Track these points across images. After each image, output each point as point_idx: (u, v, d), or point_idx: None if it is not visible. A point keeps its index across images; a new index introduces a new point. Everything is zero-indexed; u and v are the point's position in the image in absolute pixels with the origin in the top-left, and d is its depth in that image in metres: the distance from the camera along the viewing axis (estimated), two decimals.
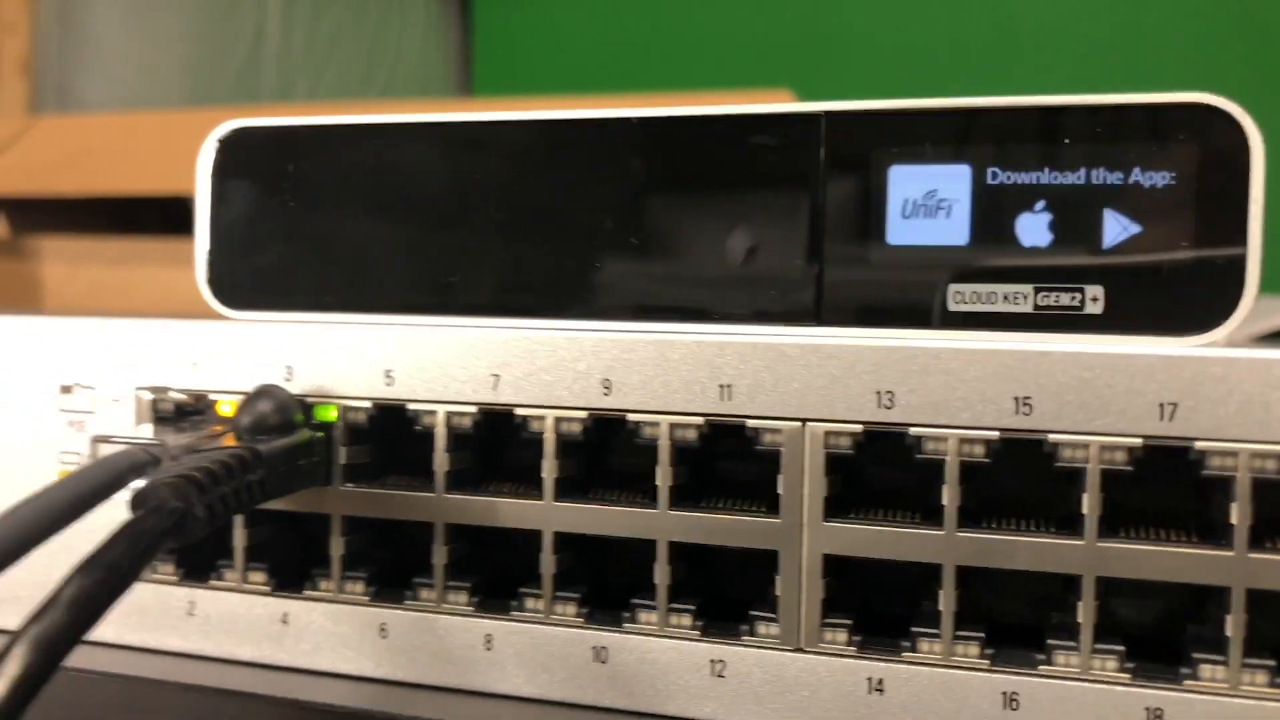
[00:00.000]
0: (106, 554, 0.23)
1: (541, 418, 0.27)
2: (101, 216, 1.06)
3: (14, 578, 0.21)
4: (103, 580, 0.22)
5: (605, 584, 0.28)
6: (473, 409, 0.27)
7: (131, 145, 1.04)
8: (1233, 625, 0.23)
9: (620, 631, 0.27)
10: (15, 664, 0.21)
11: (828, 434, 0.25)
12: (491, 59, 2.12)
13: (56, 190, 1.06)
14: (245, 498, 0.26)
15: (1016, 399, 0.24)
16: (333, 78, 1.93)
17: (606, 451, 0.28)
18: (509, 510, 0.27)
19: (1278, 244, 0.32)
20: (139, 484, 0.24)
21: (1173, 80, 0.26)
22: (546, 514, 0.27)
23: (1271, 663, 0.23)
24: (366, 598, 0.28)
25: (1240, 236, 0.25)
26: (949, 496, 0.25)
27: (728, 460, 0.28)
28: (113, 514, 0.23)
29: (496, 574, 0.28)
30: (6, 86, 1.44)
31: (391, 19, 2.06)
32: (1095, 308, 0.25)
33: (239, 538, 0.29)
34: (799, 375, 0.25)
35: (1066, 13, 1.66)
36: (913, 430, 0.25)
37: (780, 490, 0.26)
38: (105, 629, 0.29)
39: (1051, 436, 0.24)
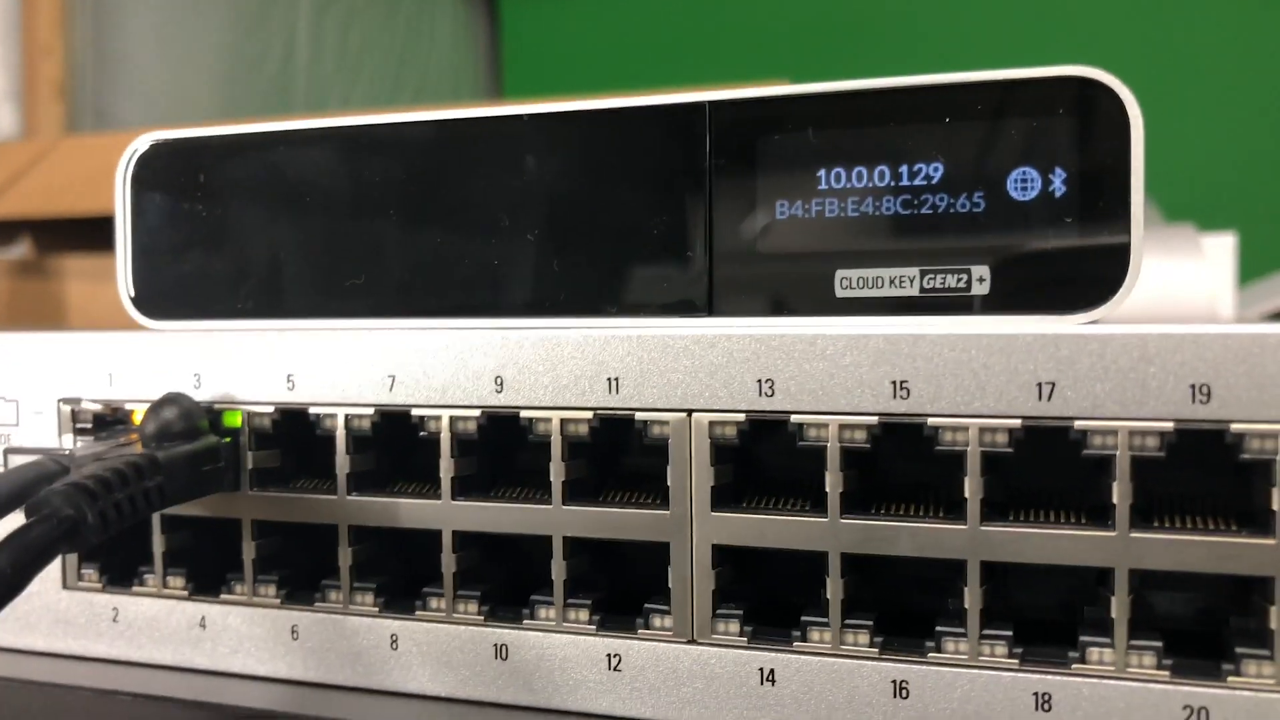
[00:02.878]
0: None
1: (437, 417, 0.27)
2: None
3: None
4: None
5: (514, 582, 0.28)
6: (370, 411, 0.28)
7: None
8: (1118, 607, 0.23)
9: (520, 628, 0.27)
10: None
11: (712, 423, 0.25)
12: (521, 62, 2.13)
13: (81, 209, 1.08)
14: (143, 504, 0.26)
15: (894, 383, 0.24)
16: (364, 88, 1.95)
17: (508, 449, 0.28)
18: (408, 510, 0.27)
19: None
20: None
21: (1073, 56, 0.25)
22: (444, 513, 0.27)
23: (1157, 644, 0.23)
24: (278, 600, 0.29)
25: (1123, 212, 0.24)
26: (831, 483, 0.24)
27: (631, 455, 0.28)
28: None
29: (408, 575, 0.29)
30: (43, 109, 1.47)
31: (421, 26, 2.07)
32: (982, 288, 0.25)
33: (158, 543, 0.30)
34: (683, 366, 0.25)
35: None
36: (794, 418, 0.24)
37: (669, 481, 0.25)
38: (34, 638, 0.30)
39: (930, 420, 0.24)
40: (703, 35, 1.87)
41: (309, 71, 1.87)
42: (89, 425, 0.30)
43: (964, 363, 0.23)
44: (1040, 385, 0.23)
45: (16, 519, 0.24)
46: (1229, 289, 0.67)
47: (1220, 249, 0.67)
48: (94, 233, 1.09)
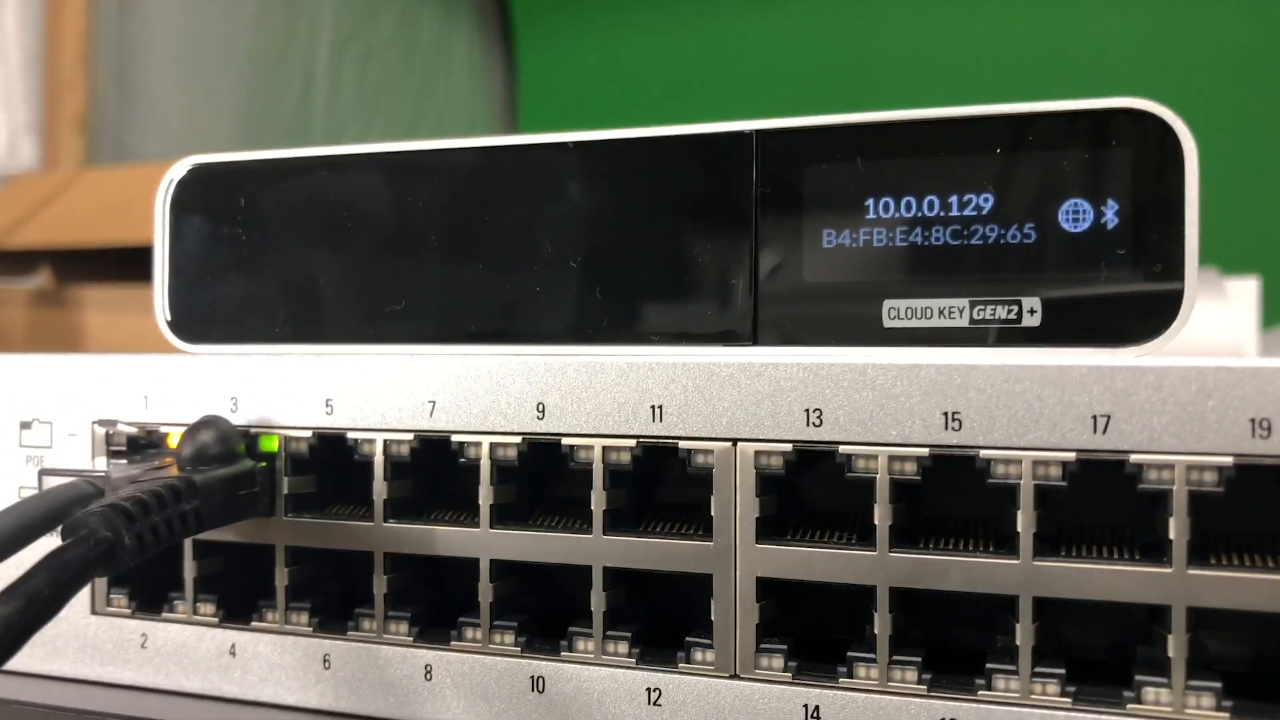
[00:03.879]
0: (26, 584, 0.23)
1: (477, 443, 0.27)
2: (143, 265, 1.09)
3: None
4: (21, 609, 0.22)
5: (550, 612, 0.28)
6: (409, 436, 0.27)
7: None
8: (1175, 646, 0.22)
9: (558, 660, 0.26)
10: None
11: (758, 453, 0.25)
12: (536, 98, 2.15)
13: (99, 240, 1.08)
14: (179, 527, 0.26)
15: (945, 414, 0.23)
16: (381, 124, 1.96)
17: (547, 477, 0.28)
18: (446, 538, 0.27)
19: None
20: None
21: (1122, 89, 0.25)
22: (483, 541, 0.27)
23: (1217, 684, 0.22)
24: (310, 628, 0.28)
25: (1178, 245, 0.24)
26: (880, 515, 0.24)
27: (671, 484, 0.28)
28: None
29: (443, 604, 0.28)
30: (64, 143, 1.48)
31: (438, 63, 2.09)
32: (1033, 320, 0.25)
33: (189, 569, 0.29)
34: (728, 394, 0.25)
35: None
36: (842, 448, 0.24)
37: (713, 512, 0.25)
38: (61, 663, 0.30)
39: (983, 452, 0.23)
40: (717, 72, 1.88)
41: (327, 108, 1.88)
42: (123, 448, 0.30)
43: (1018, 394, 0.23)
44: (1095, 418, 0.23)
45: (51, 541, 0.23)
46: (1252, 333, 0.66)
47: (1243, 293, 0.67)
48: (113, 263, 1.10)
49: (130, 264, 1.10)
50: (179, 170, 0.32)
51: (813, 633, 0.26)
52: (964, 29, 1.66)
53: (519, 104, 2.18)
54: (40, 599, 0.23)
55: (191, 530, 0.26)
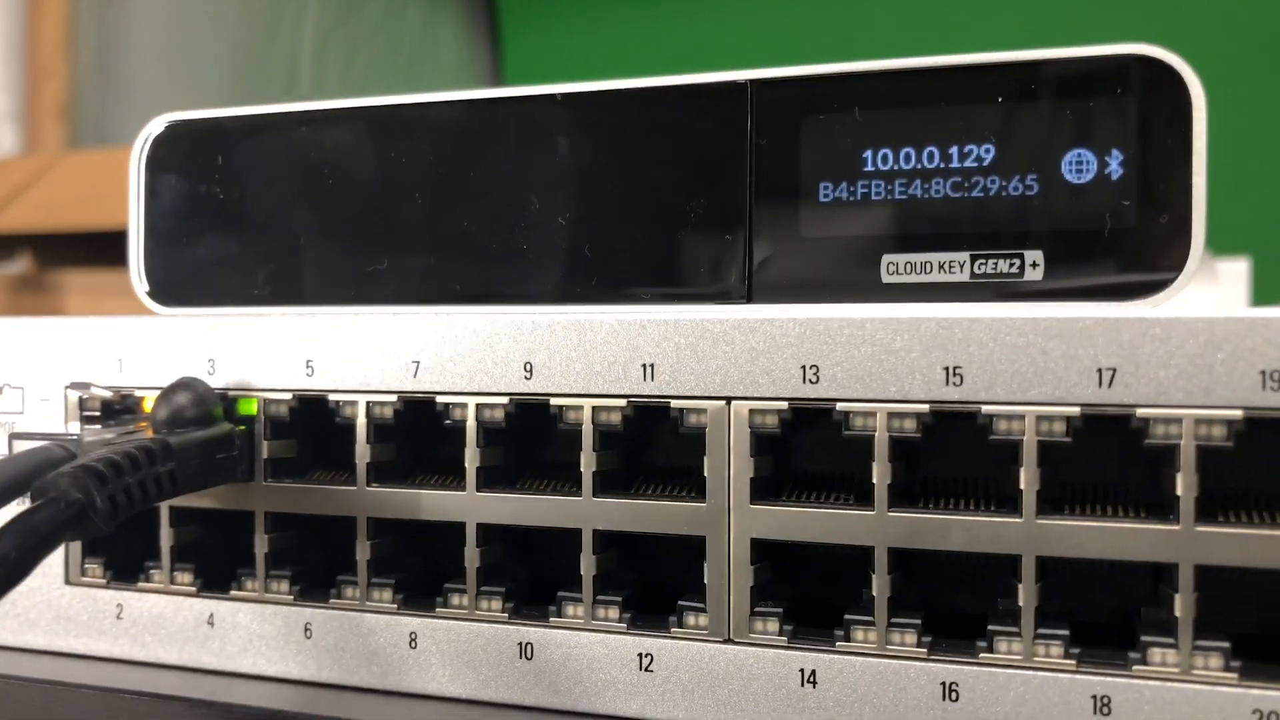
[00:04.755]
0: None
1: (463, 405, 0.26)
2: (124, 250, 1.07)
3: None
4: None
5: (538, 575, 0.27)
6: (393, 398, 0.26)
7: None
8: (1182, 605, 0.22)
9: (546, 626, 0.25)
10: None
11: (752, 412, 0.24)
12: (522, 85, 2.13)
13: (81, 224, 1.07)
14: (154, 490, 0.25)
15: (946, 369, 0.23)
16: None
17: (535, 439, 0.27)
18: (431, 502, 0.26)
19: None
20: None
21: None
22: (469, 505, 0.26)
23: (1225, 644, 0.21)
24: (291, 597, 0.27)
25: (1185, 195, 0.23)
26: (879, 474, 0.23)
27: (663, 446, 0.27)
28: None
29: (427, 572, 0.27)
30: (45, 130, 1.46)
31: (424, 54, 2.07)
32: (1035, 274, 0.24)
33: (166, 537, 0.28)
34: (722, 352, 0.24)
35: None
36: (840, 405, 0.23)
37: (706, 472, 0.24)
38: (34, 635, 0.29)
39: (985, 408, 0.23)
40: (704, 63, 1.87)
41: (312, 97, 1.86)
42: (97, 413, 0.29)
43: (1020, 348, 0.22)
44: (1101, 371, 0.22)
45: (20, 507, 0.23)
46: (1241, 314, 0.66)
47: (1234, 274, 0.67)
48: (94, 248, 1.08)
49: (112, 248, 1.09)
50: (155, 127, 0.31)
51: (808, 599, 0.25)
52: (953, 22, 1.65)
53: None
54: (7, 562, 0.22)
55: (166, 493, 0.25)
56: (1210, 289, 0.63)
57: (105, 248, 1.07)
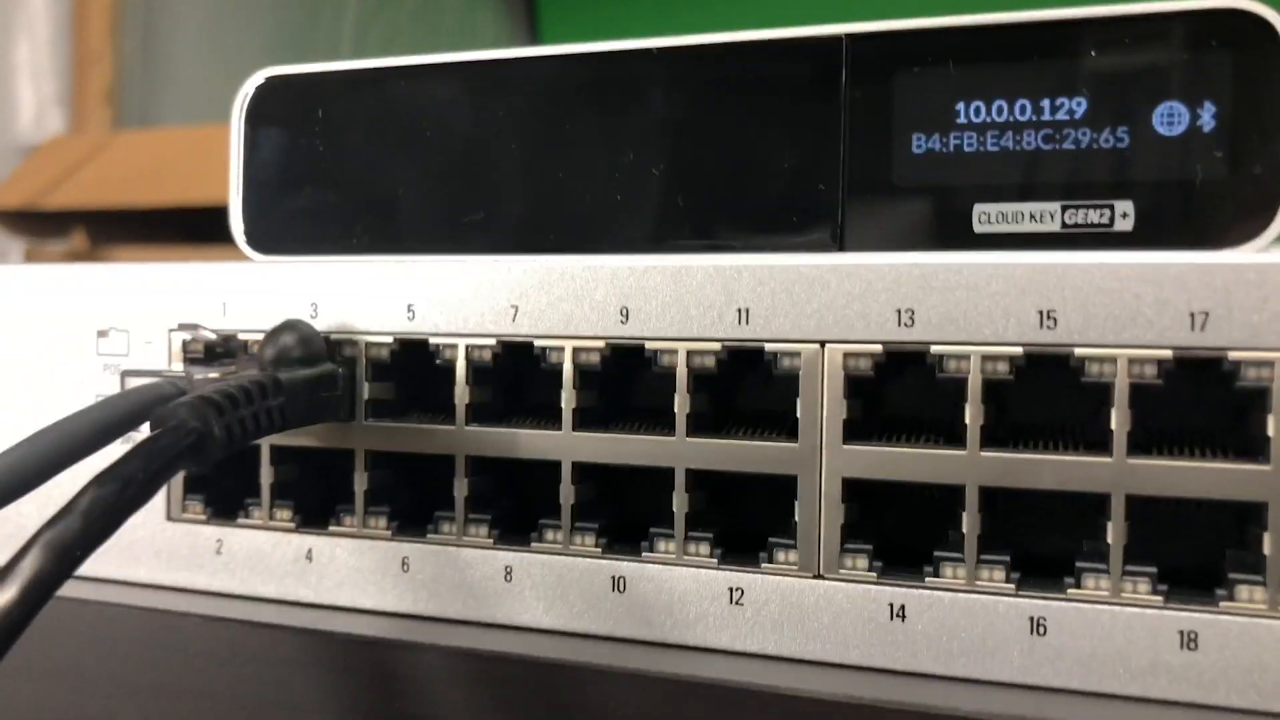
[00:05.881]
0: (122, 467, 0.23)
1: (560, 348, 0.27)
2: (176, 227, 1.09)
3: (40, 499, 0.22)
4: (118, 491, 0.23)
5: (628, 518, 0.28)
6: (491, 341, 0.27)
7: (205, 158, 1.06)
8: (1271, 543, 0.22)
9: (639, 561, 0.26)
10: (29, 566, 0.21)
11: (846, 355, 0.25)
12: None
13: (133, 202, 1.09)
14: (265, 422, 0.26)
15: (1041, 313, 0.23)
16: None
17: (629, 382, 0.28)
18: (528, 441, 0.27)
19: None
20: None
21: None
22: (564, 444, 0.27)
23: None
24: (389, 533, 0.28)
25: (1276, 146, 0.24)
26: (971, 415, 0.24)
27: (757, 390, 0.28)
28: None
29: (520, 509, 0.28)
30: (93, 115, 1.49)
31: (463, 42, 2.09)
32: (1125, 224, 0.25)
33: (266, 475, 0.29)
34: (817, 296, 0.25)
35: None
36: (934, 349, 0.24)
37: (799, 414, 0.25)
38: (136, 569, 0.30)
39: (1078, 350, 0.23)
40: None
41: None
42: (200, 356, 0.30)
43: (1114, 292, 0.23)
44: (1194, 315, 0.22)
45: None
46: None
47: None
48: (145, 225, 1.10)
49: (163, 225, 1.11)
50: (254, 82, 0.32)
51: (893, 544, 0.26)
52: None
53: None
54: (136, 482, 0.23)
55: (277, 426, 0.26)
56: None
57: (157, 224, 1.09)
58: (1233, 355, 0.22)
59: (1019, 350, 0.24)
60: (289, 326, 0.28)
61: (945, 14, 0.26)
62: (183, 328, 0.30)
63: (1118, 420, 0.23)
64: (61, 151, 1.21)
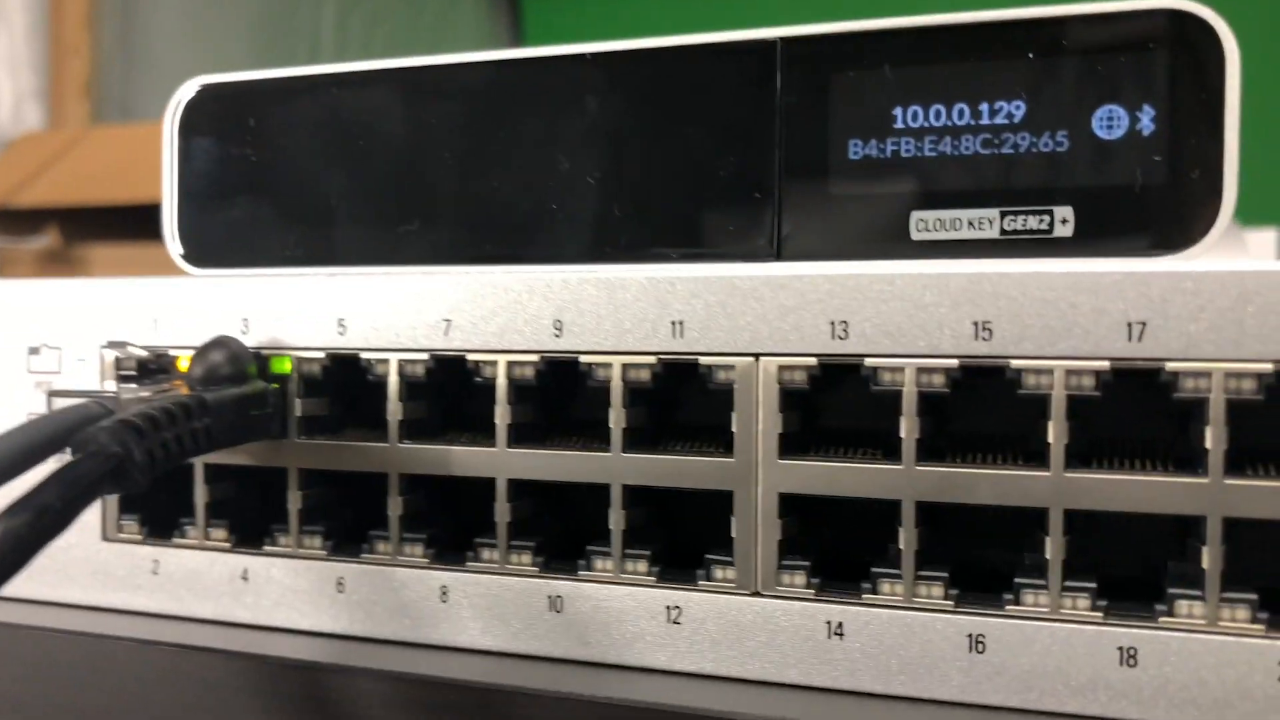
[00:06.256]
0: (38, 496, 0.22)
1: (493, 362, 0.26)
2: (150, 224, 1.08)
3: None
4: (32, 521, 0.22)
5: (568, 532, 0.27)
6: (424, 356, 0.27)
7: None
8: (1210, 558, 0.22)
9: (576, 579, 0.26)
10: None
11: (781, 368, 0.24)
12: None
13: (106, 199, 1.08)
14: (190, 444, 0.25)
15: (976, 324, 0.23)
16: None
17: (565, 397, 0.27)
18: (461, 458, 0.27)
19: None
20: None
21: None
22: (498, 461, 0.26)
23: (1252, 596, 0.22)
24: (324, 552, 0.28)
25: (1216, 151, 0.23)
26: (906, 428, 0.23)
27: (692, 405, 0.27)
28: None
29: (457, 529, 0.28)
30: (69, 107, 1.47)
31: (444, 29, 2.07)
32: (1065, 230, 0.24)
33: (200, 494, 0.29)
34: (751, 309, 0.24)
35: None
36: (868, 361, 0.24)
37: (734, 428, 0.25)
38: (72, 590, 0.29)
39: (1014, 362, 0.23)
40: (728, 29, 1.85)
41: None
42: (133, 372, 0.29)
43: (1050, 301, 0.22)
44: (1130, 325, 0.22)
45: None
46: None
47: (1262, 244, 0.66)
48: (120, 222, 1.09)
49: (137, 222, 1.10)
50: (187, 91, 0.31)
51: (834, 555, 0.25)
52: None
53: None
54: (51, 511, 0.22)
55: (202, 448, 0.26)
56: (1239, 259, 0.63)
57: (131, 222, 1.08)
58: (1170, 366, 0.22)
59: (954, 362, 0.23)
60: (218, 344, 0.27)
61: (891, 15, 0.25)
62: (112, 345, 0.29)
63: (1055, 433, 0.22)
64: (35, 148, 1.20)
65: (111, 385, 0.29)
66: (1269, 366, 0.21)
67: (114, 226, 1.10)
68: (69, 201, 1.10)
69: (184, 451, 0.25)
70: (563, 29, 2.07)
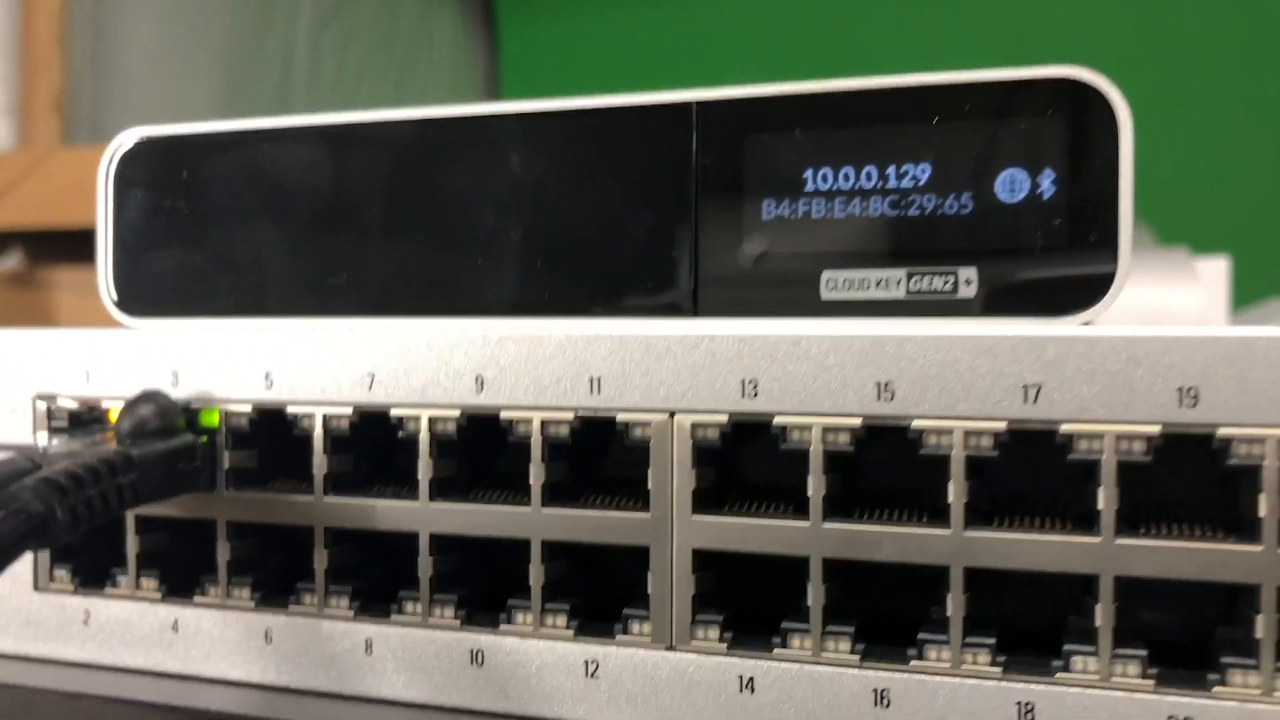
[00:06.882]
0: None
1: (416, 417, 0.27)
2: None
3: None
4: None
5: (492, 584, 0.28)
6: (348, 410, 0.27)
7: None
8: (1102, 615, 0.22)
9: (496, 633, 0.26)
10: None
11: (694, 425, 0.25)
12: (519, 78, 2.13)
13: (73, 221, 1.07)
14: (115, 501, 0.26)
15: (879, 384, 0.23)
16: (362, 107, 1.94)
17: (487, 451, 0.28)
18: (385, 512, 0.27)
19: None
20: None
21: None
22: (421, 515, 0.27)
23: (1142, 653, 0.22)
24: (252, 604, 0.28)
25: (1112, 215, 0.24)
26: (813, 486, 0.24)
27: (612, 459, 0.28)
28: None
29: (385, 579, 0.28)
30: (40, 124, 1.47)
31: (419, 44, 2.07)
32: (969, 291, 0.25)
33: (131, 545, 0.29)
34: (665, 366, 0.25)
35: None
36: (777, 419, 0.24)
37: (650, 484, 0.25)
38: (2, 640, 0.29)
39: (915, 422, 0.23)
40: (701, 54, 1.87)
41: (307, 88, 1.86)
42: (65, 424, 0.30)
43: (949, 364, 0.23)
44: (1026, 388, 0.23)
45: None
46: (1222, 313, 0.67)
47: (1214, 273, 0.67)
48: (86, 245, 1.09)
49: None
50: (124, 142, 0.31)
51: (751, 606, 0.26)
52: (958, 5, 1.65)
53: (501, 86, 2.16)
54: None
55: (128, 504, 0.26)
56: (1189, 289, 0.64)
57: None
58: (1064, 428, 0.22)
59: (858, 421, 0.24)
60: (146, 397, 0.28)
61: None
62: (42, 397, 0.29)
63: (954, 492, 0.23)
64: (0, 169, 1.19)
65: (44, 436, 0.30)
66: (1156, 429, 0.22)
67: (81, 249, 1.09)
68: (35, 224, 1.09)
69: (109, 508, 0.25)
70: (538, 46, 2.08)
